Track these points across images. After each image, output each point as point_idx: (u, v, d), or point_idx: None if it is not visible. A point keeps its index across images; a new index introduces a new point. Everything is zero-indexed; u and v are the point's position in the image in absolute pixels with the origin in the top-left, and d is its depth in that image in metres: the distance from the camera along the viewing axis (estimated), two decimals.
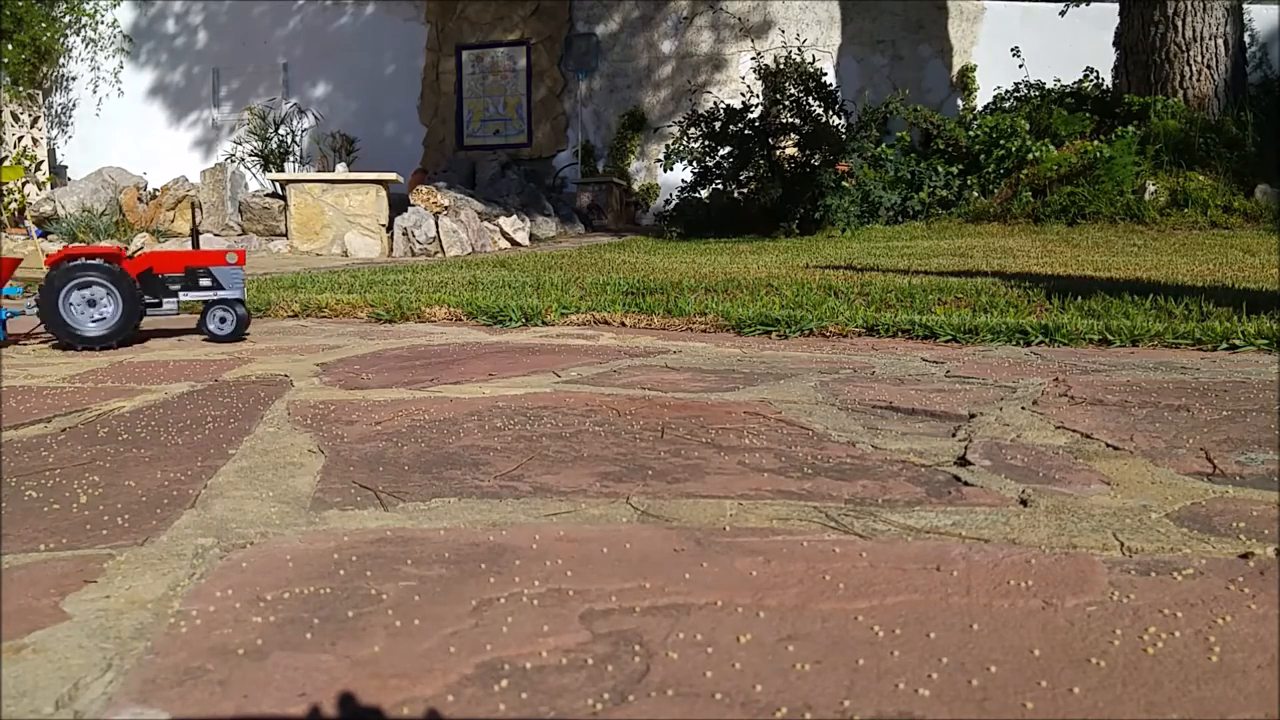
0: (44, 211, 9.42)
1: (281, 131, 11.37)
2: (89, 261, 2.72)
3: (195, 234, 3.24)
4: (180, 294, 2.91)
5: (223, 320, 2.90)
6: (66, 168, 13.49)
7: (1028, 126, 8.49)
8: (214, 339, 2.88)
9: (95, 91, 14.09)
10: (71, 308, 2.71)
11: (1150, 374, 2.09)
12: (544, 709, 0.72)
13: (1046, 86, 9.58)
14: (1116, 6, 9.36)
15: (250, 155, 11.18)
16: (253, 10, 13.70)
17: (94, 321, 2.73)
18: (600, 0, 12.51)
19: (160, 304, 2.91)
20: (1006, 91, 9.77)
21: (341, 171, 9.39)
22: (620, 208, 11.52)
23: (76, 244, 3.28)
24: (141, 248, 2.98)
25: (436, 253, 8.03)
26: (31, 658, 0.81)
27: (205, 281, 2.91)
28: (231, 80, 13.89)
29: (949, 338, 2.68)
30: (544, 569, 1.00)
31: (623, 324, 3.13)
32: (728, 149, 8.65)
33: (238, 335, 2.90)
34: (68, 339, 2.70)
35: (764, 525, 1.14)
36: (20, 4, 12.49)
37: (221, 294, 2.92)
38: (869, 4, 11.68)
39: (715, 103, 9.02)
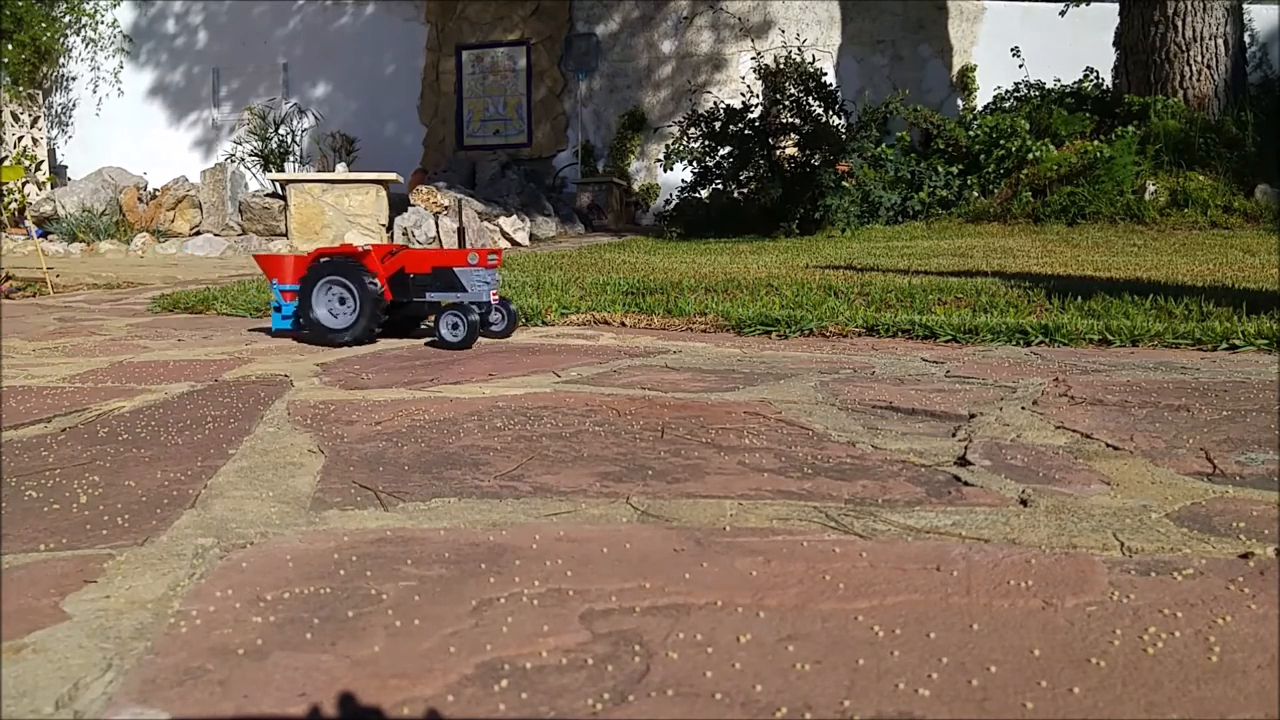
0: (44, 211, 9.42)
1: (281, 131, 11.38)
2: (335, 260, 2.72)
3: (461, 233, 3.20)
4: (428, 295, 2.83)
5: (454, 326, 2.66)
6: (66, 168, 13.49)
7: (1028, 126, 8.49)
8: (443, 345, 2.67)
9: (95, 91, 14.10)
10: (322, 304, 2.73)
11: (1150, 374, 2.09)
12: (544, 709, 0.72)
13: (1046, 86, 9.58)
14: (1116, 6, 9.36)
15: (250, 155, 11.18)
16: (253, 10, 13.70)
17: (337, 318, 2.73)
18: (600, 0, 12.51)
19: (408, 304, 2.85)
20: (1006, 91, 9.77)
21: (341, 171, 9.39)
22: (620, 208, 11.52)
23: (347, 244, 3.31)
24: (403, 247, 3.02)
25: None
26: (31, 658, 0.81)
27: (448, 283, 2.80)
28: (231, 80, 13.89)
29: (949, 338, 2.68)
30: (544, 569, 1.00)
31: (623, 324, 3.13)
32: (728, 149, 8.65)
33: (467, 343, 2.65)
34: (315, 334, 2.74)
35: (764, 525, 1.14)
36: (20, 4, 12.49)
37: (462, 297, 2.77)
38: (869, 4, 11.68)
39: (715, 103, 9.02)
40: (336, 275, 2.71)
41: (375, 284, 2.70)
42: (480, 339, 2.91)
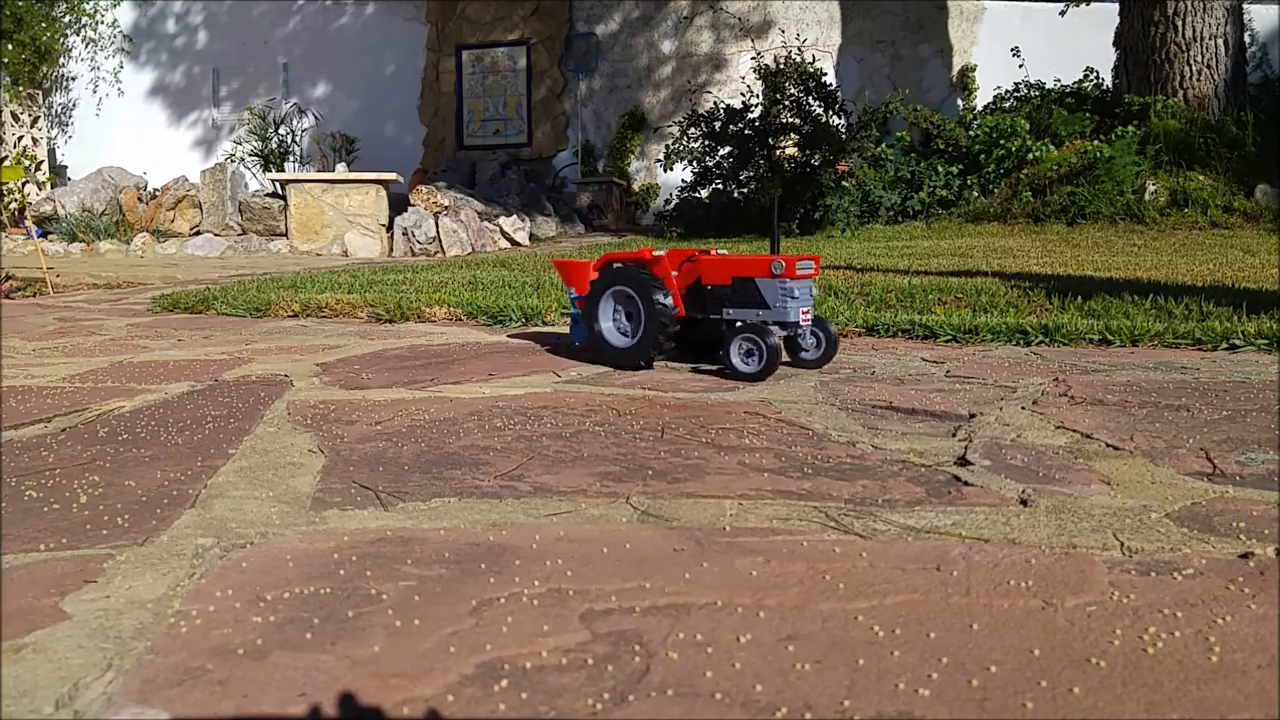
0: (44, 211, 9.42)
1: (281, 131, 11.39)
2: (622, 267, 2.35)
3: (774, 240, 2.41)
4: (725, 311, 2.29)
5: (748, 354, 2.14)
6: (66, 168, 13.49)
7: (1028, 126, 8.49)
8: (738, 377, 2.14)
9: (95, 91, 14.10)
10: (607, 316, 2.37)
11: (1150, 374, 2.09)
12: (544, 709, 0.72)
13: (1046, 86, 9.58)
14: (1116, 6, 9.36)
15: (250, 155, 11.19)
16: (253, 10, 13.70)
17: (620, 334, 2.36)
18: (600, 0, 12.51)
19: (703, 321, 2.33)
20: (1006, 91, 9.77)
21: (341, 171, 9.40)
22: (620, 208, 11.52)
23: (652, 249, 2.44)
24: (706, 251, 2.41)
25: (436, 253, 8.03)
26: (31, 658, 0.81)
27: (748, 297, 2.25)
28: (231, 80, 13.89)
29: (949, 338, 2.68)
30: (544, 569, 1.00)
31: None
32: (728, 149, 8.65)
33: (762, 374, 2.11)
34: (597, 350, 2.37)
35: (764, 525, 1.14)
36: (20, 4, 12.49)
37: (764, 315, 2.21)
38: (869, 4, 11.68)
39: (715, 103, 9.02)
40: (623, 284, 2.32)
41: (664, 297, 2.26)
42: (475, 339, 2.90)
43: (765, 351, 2.11)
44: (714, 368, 2.29)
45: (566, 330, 2.92)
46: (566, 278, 2.56)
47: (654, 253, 2.34)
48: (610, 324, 2.36)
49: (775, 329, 2.15)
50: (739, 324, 2.19)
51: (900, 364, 2.31)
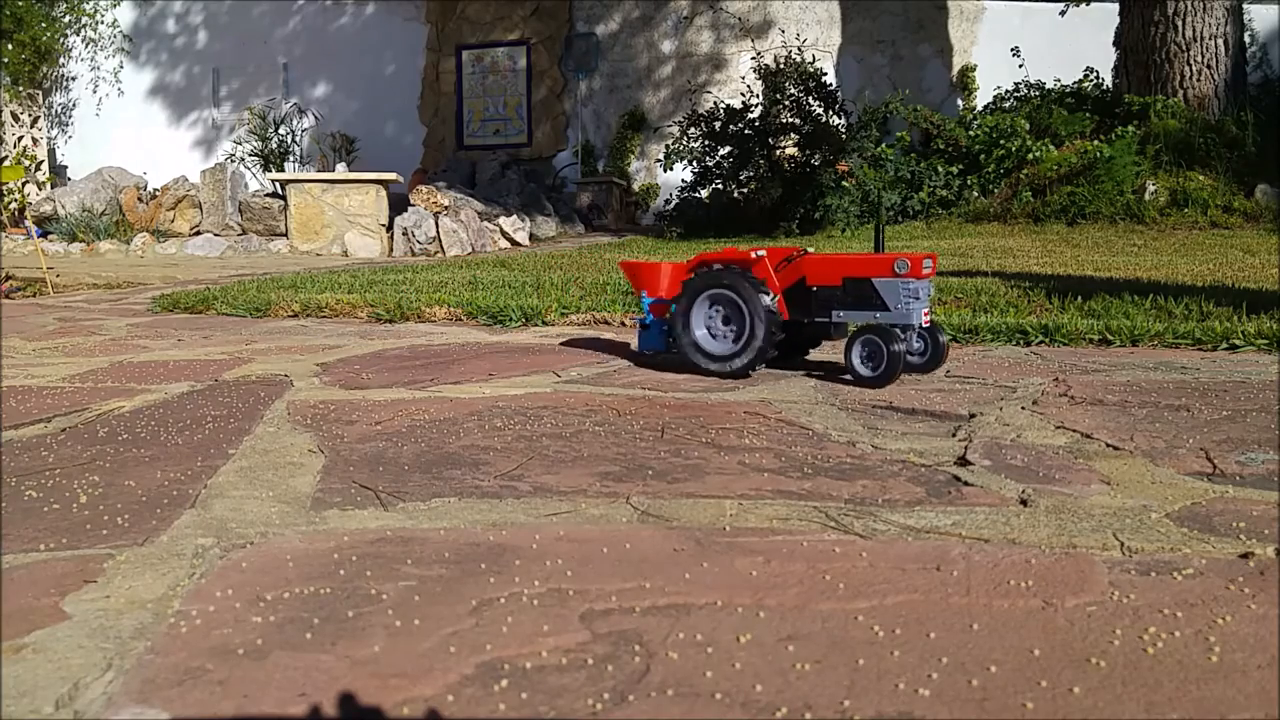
0: (44, 211, 9.42)
1: (281, 131, 11.39)
2: (720, 269, 2.18)
3: (879, 238, 2.32)
4: (835, 314, 2.16)
5: (869, 358, 2.04)
6: (66, 168, 13.49)
7: (1028, 126, 8.49)
8: (858, 381, 2.05)
9: (95, 91, 14.09)
10: (700, 323, 2.21)
11: (1150, 374, 2.09)
12: (544, 709, 0.72)
13: (1046, 86, 9.58)
14: (1116, 6, 9.36)
15: (250, 155, 11.19)
16: (253, 10, 13.70)
17: (717, 340, 2.20)
18: (600, 0, 12.51)
19: (806, 325, 2.21)
20: (1006, 91, 9.77)
21: (341, 171, 9.40)
22: (620, 208, 11.52)
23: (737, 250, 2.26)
24: (804, 251, 2.25)
25: (436, 253, 8.03)
26: (31, 658, 0.81)
27: (862, 299, 2.12)
28: (231, 80, 13.88)
29: (949, 338, 2.68)
30: (544, 569, 1.00)
31: (623, 324, 3.13)
32: (728, 149, 8.65)
33: (883, 379, 2.03)
34: (690, 358, 2.21)
35: (764, 525, 1.14)
36: (20, 4, 12.49)
37: (883, 318, 2.09)
38: (869, 4, 11.68)
39: (715, 103, 9.02)
40: (720, 288, 2.17)
41: (770, 301, 2.11)
42: (475, 339, 2.89)
43: (886, 356, 2.01)
44: (711, 369, 2.28)
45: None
46: (636, 281, 2.42)
47: (755, 252, 2.19)
48: (704, 331, 2.21)
49: (897, 333, 2.04)
50: (862, 325, 2.08)
51: None
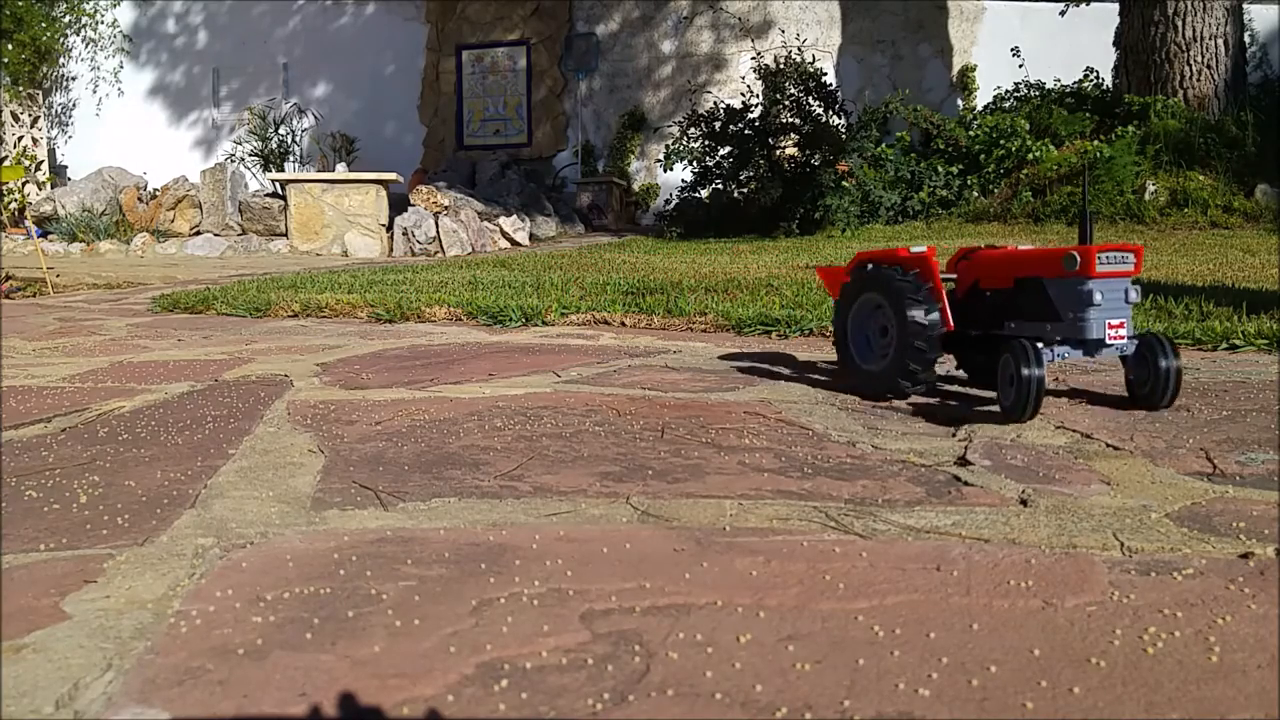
0: (44, 211, 9.42)
1: (281, 131, 11.39)
2: (874, 269, 1.88)
3: (1085, 225, 1.73)
4: (1007, 324, 1.77)
5: (1008, 381, 1.61)
6: (66, 168, 13.49)
7: (1028, 126, 8.50)
8: (1004, 412, 1.63)
9: (95, 91, 14.09)
10: (860, 329, 1.94)
11: None
12: (544, 709, 0.72)
13: (1046, 86, 9.58)
14: (1116, 6, 9.36)
15: (250, 155, 11.19)
16: (253, 10, 13.69)
17: (874, 357, 1.90)
18: (600, 0, 12.51)
19: (984, 338, 1.81)
20: (1006, 91, 9.77)
21: (341, 171, 9.40)
22: (620, 208, 11.52)
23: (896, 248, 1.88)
24: (981, 247, 1.86)
25: (436, 253, 8.03)
26: (31, 658, 0.81)
27: (1037, 305, 1.71)
28: (231, 80, 13.88)
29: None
30: (544, 569, 1.00)
31: (623, 324, 3.13)
32: (728, 149, 8.65)
33: (1016, 409, 1.58)
34: (848, 371, 1.96)
35: (764, 525, 1.14)
36: (20, 4, 12.48)
37: (1054, 330, 1.67)
38: (869, 4, 11.68)
39: (715, 103, 9.02)
40: (874, 291, 1.86)
41: (919, 309, 1.74)
42: (475, 339, 2.89)
43: (1018, 382, 1.56)
44: (713, 369, 2.28)
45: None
46: (830, 286, 2.12)
47: (911, 249, 1.83)
48: (863, 339, 1.93)
49: (1064, 349, 1.63)
50: (1026, 339, 1.62)
51: None
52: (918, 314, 1.74)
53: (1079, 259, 1.61)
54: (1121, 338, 1.64)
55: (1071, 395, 1.90)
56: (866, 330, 1.92)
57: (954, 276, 1.92)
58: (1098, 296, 1.61)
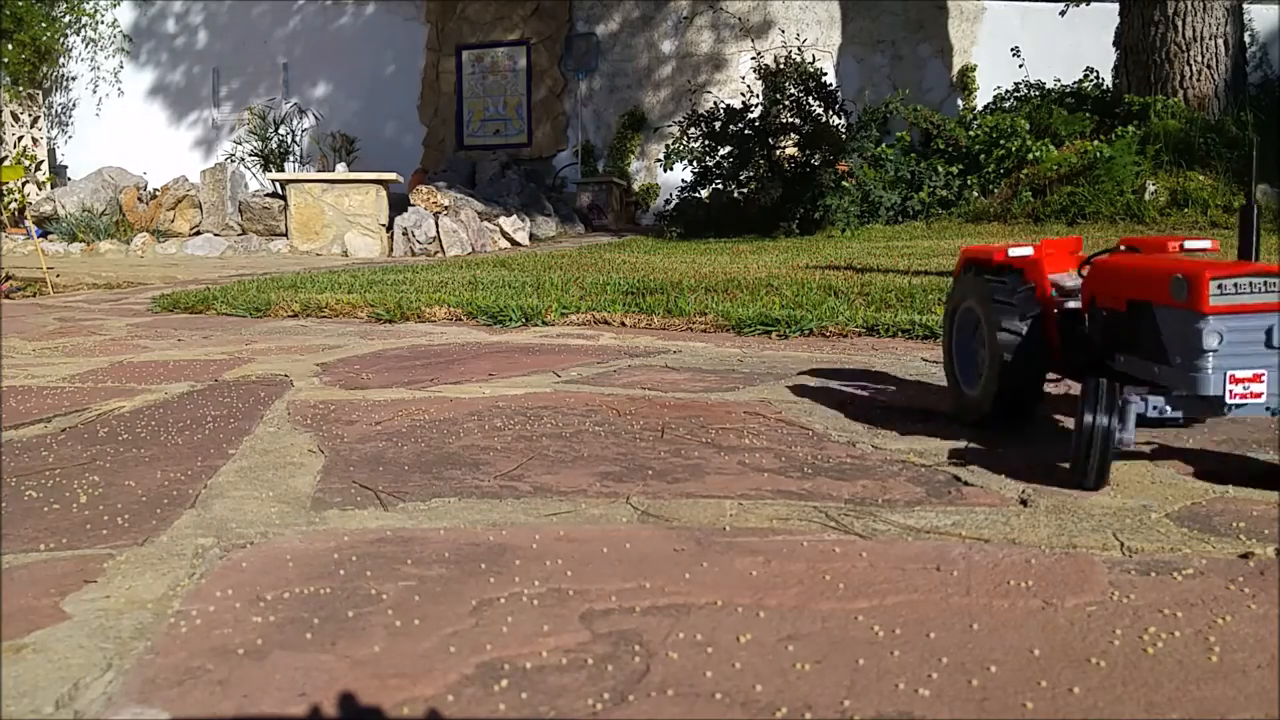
0: (44, 211, 9.42)
1: (281, 131, 11.38)
2: (978, 276, 1.57)
3: (1249, 230, 1.42)
4: (1118, 357, 1.38)
5: (1076, 440, 1.23)
6: (66, 168, 13.49)
7: (1028, 126, 8.49)
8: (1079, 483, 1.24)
9: (95, 91, 14.09)
10: (957, 344, 1.67)
11: None
12: (544, 709, 0.72)
13: (1046, 86, 9.58)
14: (1116, 6, 9.36)
15: (250, 155, 11.18)
16: (253, 10, 13.69)
17: (973, 371, 1.62)
18: (600, 0, 12.51)
19: (1098, 365, 1.43)
20: (1006, 91, 9.77)
21: (341, 171, 9.40)
22: (620, 208, 11.52)
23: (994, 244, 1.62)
24: (1109, 250, 1.41)
25: (436, 253, 8.03)
26: (31, 658, 0.81)
27: (1147, 339, 1.31)
28: (231, 80, 13.88)
29: None
30: (544, 569, 1.00)
31: (623, 324, 3.13)
32: (728, 149, 8.65)
33: (1079, 472, 1.23)
34: (954, 390, 1.69)
35: (764, 525, 1.14)
36: (20, 4, 12.48)
37: (1161, 373, 1.27)
38: (869, 4, 11.67)
39: (715, 103, 9.02)
40: (972, 299, 1.58)
41: (1016, 321, 1.44)
42: (475, 339, 2.90)
43: (1090, 442, 1.20)
44: (712, 369, 2.28)
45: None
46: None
47: (1010, 250, 1.51)
48: (964, 353, 1.66)
49: (1159, 402, 1.24)
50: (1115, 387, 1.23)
51: (900, 364, 2.31)
52: (1014, 327, 1.43)
53: (1188, 284, 1.20)
54: (1256, 395, 1.19)
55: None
56: (971, 346, 1.62)
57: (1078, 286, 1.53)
58: (1211, 340, 1.18)
